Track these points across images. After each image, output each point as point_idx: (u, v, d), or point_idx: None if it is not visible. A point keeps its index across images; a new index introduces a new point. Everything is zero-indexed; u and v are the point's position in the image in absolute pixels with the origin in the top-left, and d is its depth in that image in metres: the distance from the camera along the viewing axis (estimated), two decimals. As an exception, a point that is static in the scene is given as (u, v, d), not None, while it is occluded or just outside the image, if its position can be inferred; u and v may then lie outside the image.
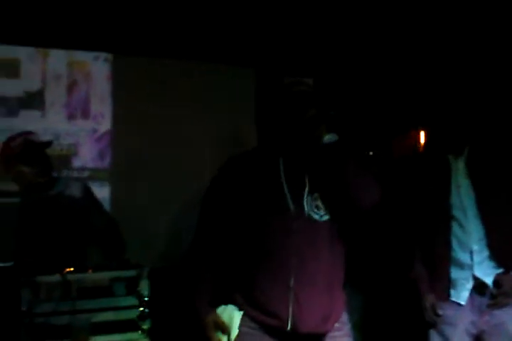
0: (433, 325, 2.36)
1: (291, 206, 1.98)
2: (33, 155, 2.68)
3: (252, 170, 2.04)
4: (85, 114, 3.80)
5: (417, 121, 3.48)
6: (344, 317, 2.08)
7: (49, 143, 2.80)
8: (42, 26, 3.45)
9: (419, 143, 3.53)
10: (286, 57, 3.78)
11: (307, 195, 1.99)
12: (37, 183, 2.70)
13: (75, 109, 3.78)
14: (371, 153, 2.75)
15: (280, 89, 2.02)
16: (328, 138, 1.88)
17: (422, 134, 3.48)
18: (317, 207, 1.99)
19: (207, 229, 2.08)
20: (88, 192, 2.86)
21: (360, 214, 2.03)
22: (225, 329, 2.01)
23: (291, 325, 1.94)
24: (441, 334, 2.34)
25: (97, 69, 3.85)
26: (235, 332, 2.00)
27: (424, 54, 3.63)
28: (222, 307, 2.05)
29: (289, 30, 3.78)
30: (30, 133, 2.79)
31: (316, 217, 1.98)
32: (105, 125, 3.81)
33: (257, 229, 1.99)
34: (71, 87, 3.81)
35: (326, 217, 2.00)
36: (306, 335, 1.96)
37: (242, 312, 2.01)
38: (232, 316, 2.01)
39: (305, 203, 1.98)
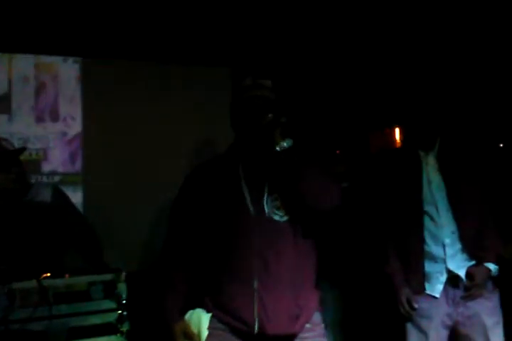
0: (409, 319, 2.43)
1: (251, 208, 2.04)
2: (7, 161, 2.71)
3: (215, 176, 2.12)
4: (54, 116, 3.80)
5: (392, 118, 3.59)
6: (316, 317, 2.12)
7: (22, 150, 2.82)
8: (6, 31, 3.47)
9: (395, 139, 3.66)
10: (256, 57, 3.86)
11: (267, 197, 2.05)
12: (10, 190, 2.72)
13: (43, 112, 3.77)
14: (338, 152, 2.83)
15: (238, 92, 2.08)
16: (282, 144, 1.98)
17: (397, 131, 3.61)
18: (277, 207, 2.05)
19: (175, 237, 2.16)
20: (62, 196, 2.87)
21: (320, 216, 2.07)
22: (193, 338, 2.06)
23: (257, 327, 1.99)
24: (418, 327, 2.41)
25: (66, 70, 3.84)
26: (204, 333, 2.05)
27: (395, 53, 3.74)
28: (190, 311, 2.11)
29: (258, 30, 3.83)
30: (2, 139, 2.82)
31: (277, 217, 2.04)
32: (75, 128, 3.80)
33: (220, 232, 2.07)
34: (39, 89, 3.81)
35: (286, 218, 2.05)
36: (274, 337, 2.00)
37: (210, 314, 2.07)
38: (201, 318, 2.07)
39: (265, 204, 2.04)
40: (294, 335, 2.04)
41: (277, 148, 1.99)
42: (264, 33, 3.87)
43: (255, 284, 2.00)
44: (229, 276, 2.04)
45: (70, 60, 3.84)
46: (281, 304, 2.01)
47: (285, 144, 1.99)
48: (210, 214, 2.09)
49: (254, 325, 1.99)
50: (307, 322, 2.06)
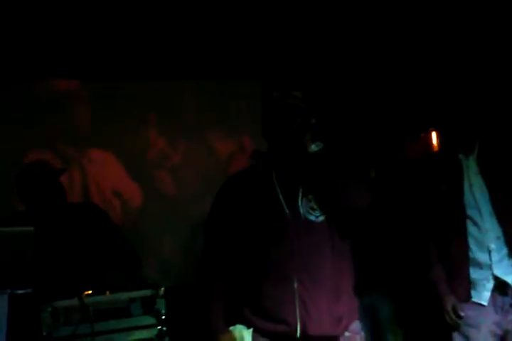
0: (456, 328, 2.43)
1: (287, 210, 2.13)
2: (49, 182, 2.87)
3: (249, 186, 2.22)
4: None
5: (427, 123, 3.61)
6: (356, 325, 2.17)
7: (63, 171, 3.01)
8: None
9: (432, 144, 3.66)
10: (288, 67, 3.97)
11: (301, 198, 2.14)
12: (52, 209, 2.89)
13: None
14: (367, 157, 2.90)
15: (268, 103, 2.20)
16: (313, 147, 2.09)
17: (434, 135, 3.62)
18: (312, 208, 2.13)
19: (213, 248, 2.24)
20: (101, 214, 3.02)
21: (354, 216, 2.15)
22: None
23: (300, 329, 2.04)
24: (465, 336, 2.42)
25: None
26: None
27: (427, 57, 3.76)
28: (231, 328, 2.16)
29: (283, 44, 3.95)
30: (44, 161, 3.01)
31: (312, 218, 2.12)
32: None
33: (258, 238, 2.14)
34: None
35: (322, 218, 2.13)
36: (317, 340, 2.05)
37: (251, 330, 2.12)
38: (243, 335, 2.13)
39: (300, 206, 2.13)
40: (335, 337, 2.09)
41: (308, 151, 2.09)
42: (296, 43, 3.96)
43: (295, 284, 2.06)
44: (269, 278, 2.10)
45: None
46: (323, 305, 2.06)
47: (316, 147, 2.10)
48: (247, 221, 2.17)
49: (297, 326, 2.04)
50: (348, 325, 2.12)
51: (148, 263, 3.82)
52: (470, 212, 2.44)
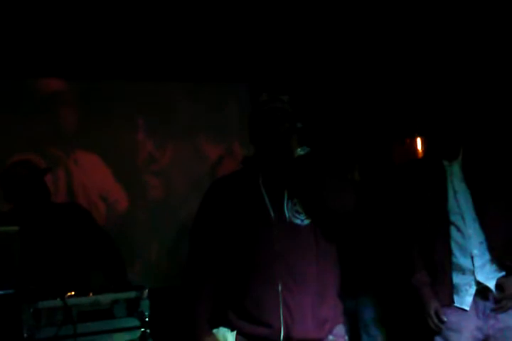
0: (438, 332, 2.47)
1: (272, 213, 2.17)
2: (33, 181, 2.91)
3: (235, 189, 2.26)
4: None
5: (413, 129, 3.68)
6: (340, 329, 2.20)
7: (48, 170, 3.04)
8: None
9: (417, 150, 3.73)
10: (274, 72, 4.03)
11: (287, 202, 2.18)
12: (36, 209, 2.92)
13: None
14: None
15: (255, 106, 2.25)
16: (299, 150, 2.13)
17: (419, 141, 3.69)
18: (297, 211, 2.17)
19: (199, 250, 2.27)
20: (84, 214, 3.05)
21: (339, 219, 2.19)
22: None
23: (283, 332, 2.07)
24: (447, 340, 2.45)
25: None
26: None
27: (413, 63, 3.84)
28: (215, 330, 2.19)
29: (272, 47, 4.01)
30: (29, 160, 3.03)
31: (298, 221, 2.16)
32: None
33: (243, 241, 2.18)
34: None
35: (307, 221, 2.17)
36: None
37: (234, 332, 2.15)
38: (226, 338, 2.16)
39: (285, 209, 2.17)
40: None
41: (295, 155, 2.13)
42: (284, 46, 4.01)
43: (280, 288, 2.09)
44: (253, 281, 2.14)
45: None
46: (307, 308, 2.10)
47: (301, 151, 2.14)
48: (233, 224, 2.21)
49: (280, 329, 2.07)
50: (332, 328, 2.15)
51: (134, 267, 3.88)
52: (453, 217, 2.48)
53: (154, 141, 4.27)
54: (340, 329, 2.20)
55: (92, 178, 4.15)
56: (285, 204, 2.18)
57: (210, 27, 3.83)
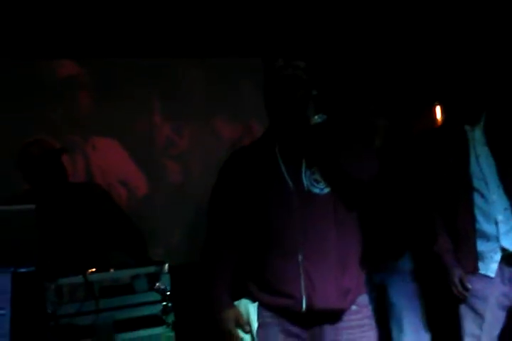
0: (463, 300, 2.51)
1: (290, 183, 2.18)
2: (49, 160, 3.00)
3: (253, 159, 2.27)
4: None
5: (432, 97, 3.70)
6: (363, 299, 2.22)
7: (64, 150, 3.13)
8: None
9: (437, 118, 3.75)
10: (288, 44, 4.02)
11: (305, 170, 2.19)
12: (54, 188, 3.01)
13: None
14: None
15: (270, 72, 2.23)
16: (316, 118, 2.13)
17: (438, 110, 3.71)
18: (316, 180, 2.19)
19: (218, 221, 2.31)
20: (103, 193, 3.14)
21: (361, 186, 2.20)
22: (245, 326, 2.19)
23: (306, 302, 2.10)
24: (473, 308, 2.49)
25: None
26: (254, 325, 2.18)
27: (431, 31, 3.84)
28: (236, 302, 2.23)
29: (283, 18, 4.03)
30: (44, 140, 3.14)
31: (316, 190, 2.17)
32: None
33: (261, 212, 2.20)
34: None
35: (326, 190, 2.18)
36: (323, 313, 2.12)
37: (256, 304, 2.19)
38: (248, 310, 2.19)
39: (303, 178, 2.18)
40: (343, 312, 2.14)
41: (312, 123, 2.14)
42: (297, 17, 4.03)
43: (300, 257, 2.11)
44: (273, 252, 2.16)
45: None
46: (328, 277, 2.11)
47: (319, 119, 2.14)
48: (251, 194, 2.23)
49: (302, 300, 2.10)
50: (355, 299, 2.17)
51: (155, 249, 3.95)
52: (476, 183, 2.50)
53: (171, 125, 4.33)
54: (363, 299, 2.22)
55: (111, 163, 4.22)
56: (303, 173, 2.19)
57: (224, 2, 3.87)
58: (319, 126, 2.15)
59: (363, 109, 2.98)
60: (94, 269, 2.59)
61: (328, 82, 2.24)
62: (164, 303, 2.57)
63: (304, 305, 2.11)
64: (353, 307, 2.18)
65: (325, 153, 2.17)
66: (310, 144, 2.21)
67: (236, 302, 2.25)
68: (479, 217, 2.49)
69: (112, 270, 2.61)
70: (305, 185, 2.18)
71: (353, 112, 2.95)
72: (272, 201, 2.20)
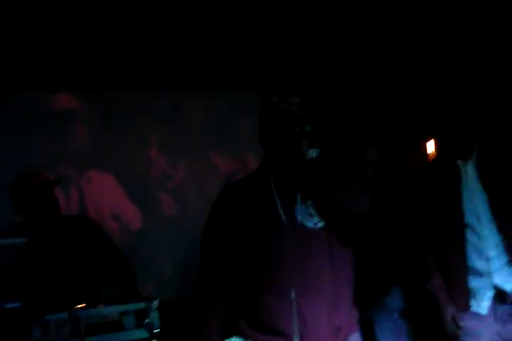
0: (455, 338, 2.49)
1: (283, 217, 2.18)
2: (43, 192, 3.02)
3: (246, 195, 2.28)
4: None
5: (426, 131, 3.75)
6: (355, 337, 2.21)
7: (56, 182, 3.15)
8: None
9: (431, 152, 3.80)
10: (283, 79, 4.14)
11: (299, 204, 2.20)
12: (46, 220, 3.03)
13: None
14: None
15: (266, 108, 2.27)
16: (310, 153, 2.17)
17: (432, 143, 3.75)
18: (310, 214, 2.20)
19: (211, 258, 2.30)
20: (95, 227, 3.15)
21: (354, 221, 2.22)
22: None
23: (298, 340, 2.08)
24: None
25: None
26: None
27: (424, 65, 3.93)
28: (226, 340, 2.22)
29: (279, 54, 4.13)
30: (38, 172, 3.16)
31: (310, 224, 2.18)
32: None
33: (254, 246, 2.20)
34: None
35: (320, 224, 2.19)
36: None
37: None
38: None
39: (297, 212, 2.19)
40: None
41: (306, 158, 2.17)
42: (293, 53, 4.12)
43: (293, 294, 2.11)
44: (266, 288, 2.15)
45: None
46: (322, 315, 2.11)
47: (313, 153, 2.17)
48: (244, 230, 2.23)
49: (293, 338, 2.09)
50: (347, 336, 2.16)
51: (147, 285, 3.95)
52: (469, 219, 2.52)
53: (167, 158, 4.38)
54: (355, 338, 2.22)
55: (105, 197, 4.25)
56: (297, 207, 2.21)
57: (218, 34, 3.93)
58: (313, 160, 2.18)
59: (355, 142, 3.03)
60: (82, 305, 2.59)
61: (321, 115, 2.27)
62: (153, 341, 2.55)
63: None
64: None
65: (319, 187, 2.19)
66: (304, 178, 2.23)
67: (226, 340, 2.23)
68: (471, 254, 2.50)
69: (100, 306, 2.61)
70: (298, 219, 2.19)
71: (345, 145, 3.00)
72: (265, 236, 2.20)
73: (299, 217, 2.19)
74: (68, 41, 3.84)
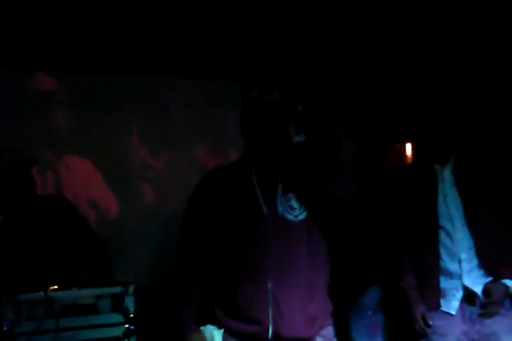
0: (424, 336, 2.58)
1: (264, 208, 2.24)
2: (20, 173, 3.06)
3: (227, 183, 2.33)
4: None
5: (403, 134, 3.88)
6: (328, 331, 2.28)
7: (34, 161, 3.18)
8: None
9: (407, 155, 3.92)
10: (266, 70, 4.21)
11: (280, 196, 2.26)
12: (21, 200, 3.06)
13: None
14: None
15: (248, 101, 2.33)
16: (297, 138, 2.22)
17: (408, 147, 3.89)
18: (291, 207, 2.26)
19: (188, 245, 2.35)
20: (73, 209, 3.21)
21: (340, 208, 2.29)
22: None
23: (272, 329, 2.15)
24: None
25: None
26: None
27: (403, 68, 4.06)
28: (202, 328, 2.27)
29: (268, 43, 4.21)
30: (16, 150, 3.19)
31: (291, 217, 2.24)
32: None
33: (233, 235, 2.26)
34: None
35: (301, 217, 2.25)
36: (289, 340, 2.17)
37: (222, 330, 2.24)
38: (213, 336, 2.24)
39: (278, 204, 2.25)
40: (308, 340, 2.20)
41: (293, 142, 2.22)
42: (275, 46, 4.21)
43: (269, 285, 2.18)
44: (243, 277, 2.22)
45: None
46: (297, 305, 2.18)
47: (300, 138, 2.23)
48: (224, 218, 2.29)
49: (269, 327, 2.15)
50: (322, 328, 2.24)
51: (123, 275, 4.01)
52: (443, 222, 2.61)
53: (148, 147, 4.43)
54: (328, 331, 2.28)
55: (83, 184, 4.27)
56: (278, 199, 2.26)
57: (205, 23, 4.00)
58: (300, 145, 2.23)
59: (333, 132, 3.11)
60: (56, 286, 2.63)
61: (303, 105, 2.35)
62: (127, 325, 2.61)
63: (270, 332, 2.16)
64: (318, 339, 2.24)
65: (306, 172, 2.24)
66: (288, 168, 2.28)
67: (202, 328, 2.29)
68: (444, 255, 2.59)
69: (74, 288, 2.67)
70: (279, 211, 2.24)
71: (323, 134, 3.08)
72: (245, 226, 2.26)
73: (280, 209, 2.25)
74: (51, 19, 3.84)
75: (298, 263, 2.22)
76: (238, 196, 2.30)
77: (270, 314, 2.17)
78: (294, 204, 2.27)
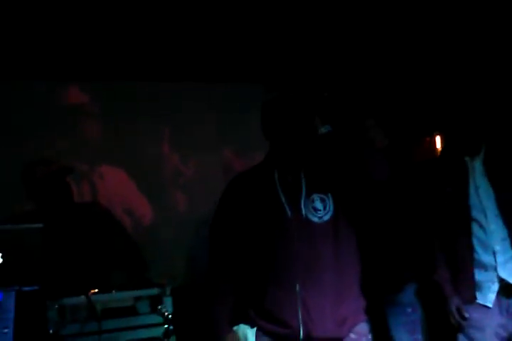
0: (460, 329, 2.61)
1: (289, 211, 2.29)
2: (57, 181, 3.19)
3: (251, 187, 2.39)
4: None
5: (433, 127, 3.91)
6: (362, 327, 2.31)
7: (69, 170, 3.31)
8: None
9: (436, 148, 3.95)
10: (289, 73, 4.30)
11: (304, 198, 2.30)
12: (59, 208, 3.18)
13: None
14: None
15: (270, 102, 2.38)
16: (324, 129, 2.27)
17: (438, 139, 3.91)
18: (315, 208, 2.30)
19: (220, 249, 2.41)
20: (108, 215, 3.33)
21: (377, 190, 2.34)
22: None
23: (303, 332, 2.20)
24: (470, 338, 2.59)
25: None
26: None
27: (431, 61, 4.06)
28: (235, 327, 2.33)
29: (291, 46, 4.29)
30: (49, 161, 3.32)
31: (315, 219, 2.28)
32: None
33: (260, 238, 2.31)
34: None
35: (326, 218, 2.29)
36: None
37: (254, 329, 2.29)
38: (246, 335, 2.29)
39: (302, 206, 2.29)
40: (340, 339, 2.24)
41: (319, 133, 2.27)
42: (300, 42, 4.27)
43: (297, 287, 2.22)
44: (272, 281, 2.27)
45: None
46: (326, 307, 2.22)
47: (325, 129, 2.28)
48: (250, 223, 2.34)
49: (300, 329, 2.20)
50: (353, 326, 2.27)
51: (155, 263, 4.05)
52: (475, 213, 2.64)
53: (179, 154, 4.54)
54: (362, 328, 2.31)
55: (117, 192, 4.34)
56: (302, 202, 2.30)
57: (228, 30, 4.10)
58: (326, 136, 2.28)
59: (362, 122, 3.16)
60: (96, 290, 2.75)
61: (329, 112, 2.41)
62: (166, 326, 2.71)
63: (301, 334, 2.21)
64: (352, 336, 2.27)
65: (336, 160, 2.28)
66: (312, 164, 2.34)
67: (235, 327, 2.34)
68: (477, 247, 2.62)
69: (114, 291, 2.77)
70: (303, 213, 2.28)
71: (353, 125, 3.13)
72: (271, 230, 2.30)
73: (304, 211, 2.29)
74: (80, 30, 3.95)
75: (324, 264, 2.25)
76: (262, 199, 2.35)
77: (300, 317, 2.21)
78: (318, 205, 2.31)
